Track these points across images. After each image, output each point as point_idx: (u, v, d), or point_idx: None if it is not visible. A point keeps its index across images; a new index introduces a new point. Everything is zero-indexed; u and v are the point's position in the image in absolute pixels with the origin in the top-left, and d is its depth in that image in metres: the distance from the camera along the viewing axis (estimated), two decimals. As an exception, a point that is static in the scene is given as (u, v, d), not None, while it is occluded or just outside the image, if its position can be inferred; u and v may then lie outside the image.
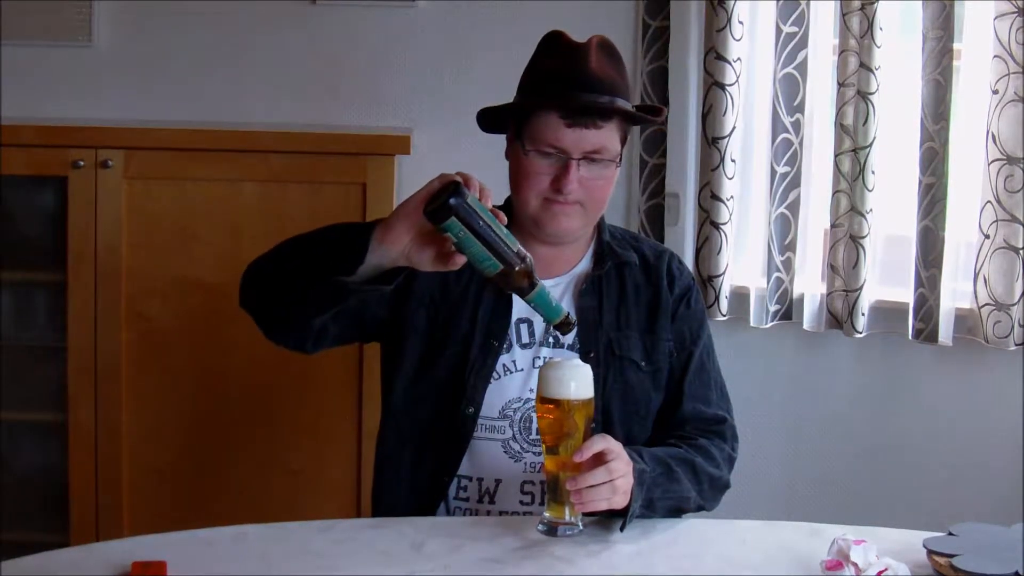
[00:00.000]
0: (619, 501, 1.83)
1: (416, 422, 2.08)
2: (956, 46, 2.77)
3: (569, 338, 2.07)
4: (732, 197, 2.97)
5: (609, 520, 1.89)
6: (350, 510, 2.86)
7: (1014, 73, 2.70)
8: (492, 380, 2.05)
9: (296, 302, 1.93)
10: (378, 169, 2.84)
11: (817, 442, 3.10)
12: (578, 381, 1.84)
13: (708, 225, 2.97)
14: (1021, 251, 2.74)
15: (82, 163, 2.82)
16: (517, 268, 1.77)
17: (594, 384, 2.00)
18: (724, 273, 2.97)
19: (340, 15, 3.12)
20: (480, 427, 2.04)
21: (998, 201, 2.75)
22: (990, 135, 2.74)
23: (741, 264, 3.04)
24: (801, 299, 2.98)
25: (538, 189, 2.02)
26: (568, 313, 1.83)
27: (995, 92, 2.73)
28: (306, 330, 1.99)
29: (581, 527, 1.85)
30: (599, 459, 1.82)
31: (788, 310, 2.98)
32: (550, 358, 2.03)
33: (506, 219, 1.79)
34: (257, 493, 2.91)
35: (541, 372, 1.87)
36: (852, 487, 3.07)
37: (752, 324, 3.00)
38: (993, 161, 2.75)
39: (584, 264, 2.14)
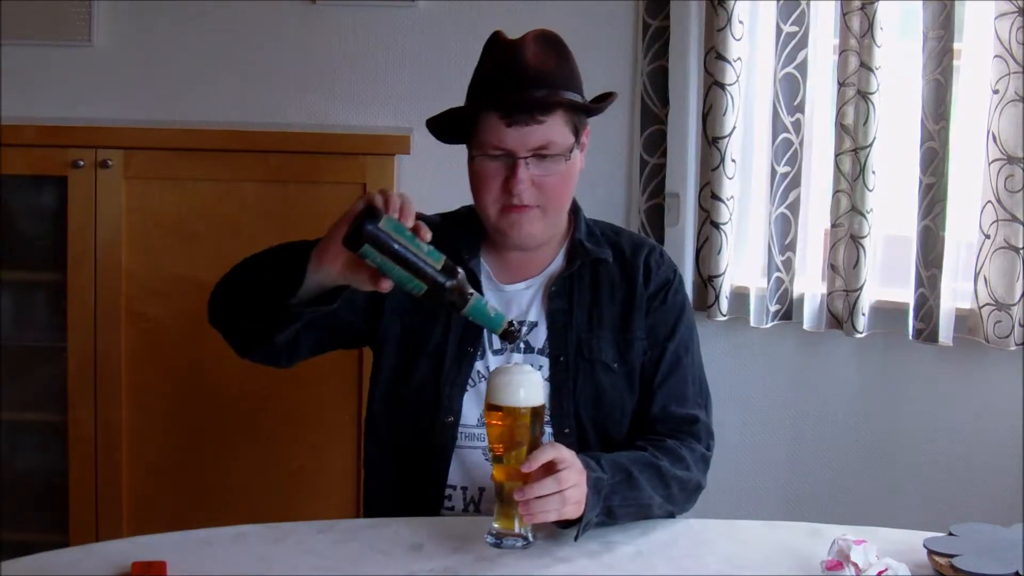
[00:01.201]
0: (570, 512, 1.78)
1: (396, 434, 2.06)
2: (956, 46, 2.77)
3: (539, 341, 2.04)
4: (732, 197, 2.97)
5: (565, 530, 1.84)
6: (350, 510, 2.86)
7: (1014, 73, 2.69)
8: (468, 388, 2.02)
9: (253, 323, 1.92)
10: (378, 169, 2.84)
11: (817, 442, 3.10)
12: (527, 388, 1.79)
13: (708, 225, 2.97)
14: (1021, 251, 2.74)
15: (82, 163, 2.82)
16: (447, 285, 1.73)
17: (564, 389, 1.99)
18: (724, 273, 2.97)
19: (340, 15, 3.12)
20: (460, 436, 2.01)
21: (998, 201, 2.75)
22: (990, 135, 2.74)
23: (741, 264, 3.04)
24: (801, 299, 2.98)
25: (492, 194, 1.99)
26: (510, 321, 1.77)
27: (995, 92, 2.73)
28: (271, 348, 1.97)
29: (531, 539, 1.81)
30: (550, 468, 1.77)
31: (788, 310, 2.98)
32: (519, 364, 2.01)
33: (430, 235, 1.75)
34: (257, 493, 2.91)
35: (489, 379, 1.82)
36: (852, 487, 3.07)
37: (752, 324, 3.00)
38: (993, 161, 2.74)
39: (556, 264, 2.10)
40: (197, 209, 2.86)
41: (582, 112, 2.03)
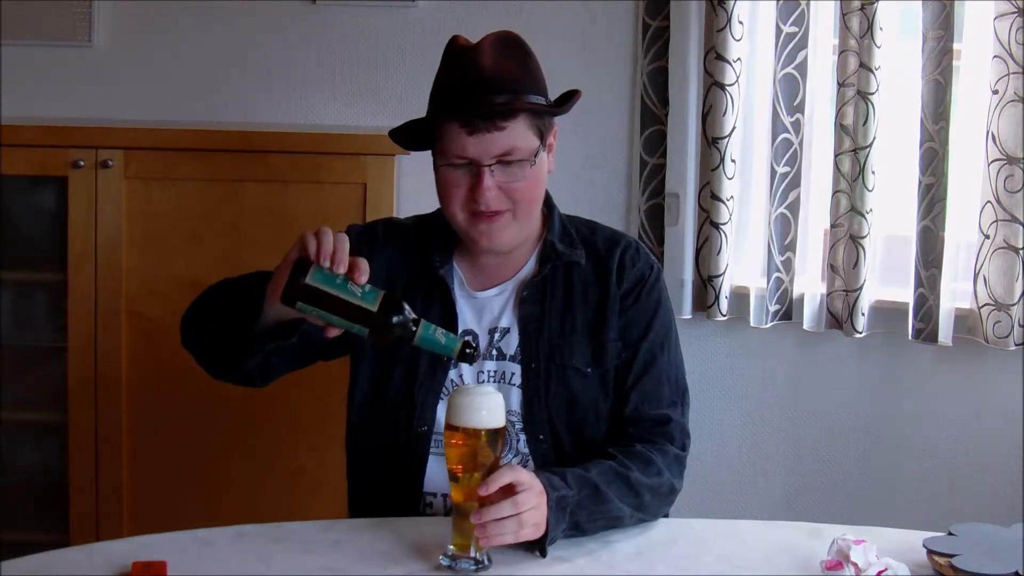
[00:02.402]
0: (528, 534, 1.75)
1: (373, 442, 2.05)
2: (956, 46, 2.77)
3: (511, 348, 2.02)
4: (732, 197, 2.97)
5: (531, 548, 1.80)
6: (350, 510, 2.86)
7: (1014, 73, 2.70)
8: (442, 396, 2.00)
9: (219, 350, 1.93)
10: (378, 169, 2.84)
11: (817, 442, 3.10)
12: (488, 409, 1.75)
13: (708, 225, 2.97)
14: (1021, 251, 2.74)
15: (82, 163, 2.82)
16: (390, 322, 1.70)
17: (537, 395, 1.97)
18: (724, 273, 2.97)
19: (340, 15, 3.12)
20: (435, 443, 2.00)
21: (998, 201, 2.75)
22: (990, 135, 2.74)
23: (741, 264, 3.04)
24: (801, 299, 2.98)
25: (458, 202, 1.96)
26: (466, 342, 1.74)
27: (995, 92, 2.73)
28: (242, 372, 1.97)
29: (488, 562, 1.75)
30: (508, 491, 1.73)
31: (788, 310, 2.98)
32: (492, 372, 2.01)
33: (365, 276, 1.71)
34: (257, 493, 2.91)
35: (450, 399, 1.79)
36: (852, 487, 3.07)
37: (752, 324, 3.00)
38: (993, 161, 2.75)
39: (529, 268, 2.06)
40: (197, 209, 2.86)
41: (546, 114, 1.99)
